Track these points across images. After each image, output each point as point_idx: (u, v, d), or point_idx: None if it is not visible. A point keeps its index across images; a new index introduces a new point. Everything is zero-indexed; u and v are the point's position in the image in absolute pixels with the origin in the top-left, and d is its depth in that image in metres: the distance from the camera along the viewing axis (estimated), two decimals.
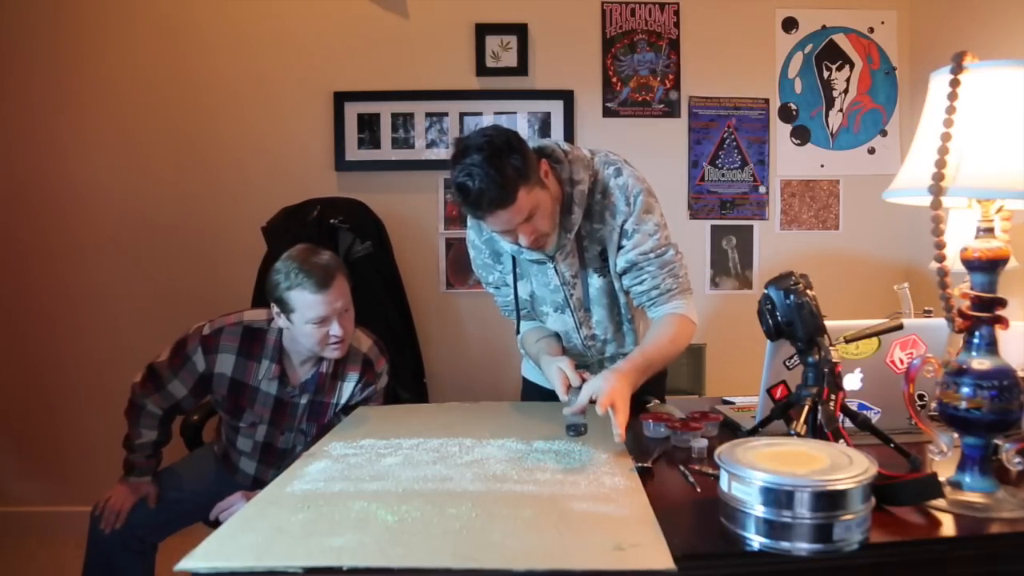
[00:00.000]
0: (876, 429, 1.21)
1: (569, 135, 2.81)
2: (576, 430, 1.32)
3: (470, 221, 1.62)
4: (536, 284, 1.59)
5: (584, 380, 1.39)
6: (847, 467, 0.93)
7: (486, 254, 1.63)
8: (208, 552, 0.92)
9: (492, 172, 1.29)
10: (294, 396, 1.75)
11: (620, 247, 1.51)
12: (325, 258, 1.66)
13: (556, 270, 1.54)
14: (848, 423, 1.20)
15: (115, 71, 2.77)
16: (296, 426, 1.78)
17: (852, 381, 1.38)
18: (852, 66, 2.88)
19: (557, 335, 1.67)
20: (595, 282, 1.56)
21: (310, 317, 1.61)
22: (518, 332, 1.68)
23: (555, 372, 1.42)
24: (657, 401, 1.69)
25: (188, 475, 1.91)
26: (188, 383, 1.76)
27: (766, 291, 1.25)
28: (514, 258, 1.57)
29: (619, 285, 1.56)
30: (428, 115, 2.80)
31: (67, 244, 2.81)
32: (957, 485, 1.10)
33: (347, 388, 1.76)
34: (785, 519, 0.90)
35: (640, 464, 1.24)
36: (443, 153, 2.80)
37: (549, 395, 1.76)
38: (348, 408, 1.77)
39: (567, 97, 2.81)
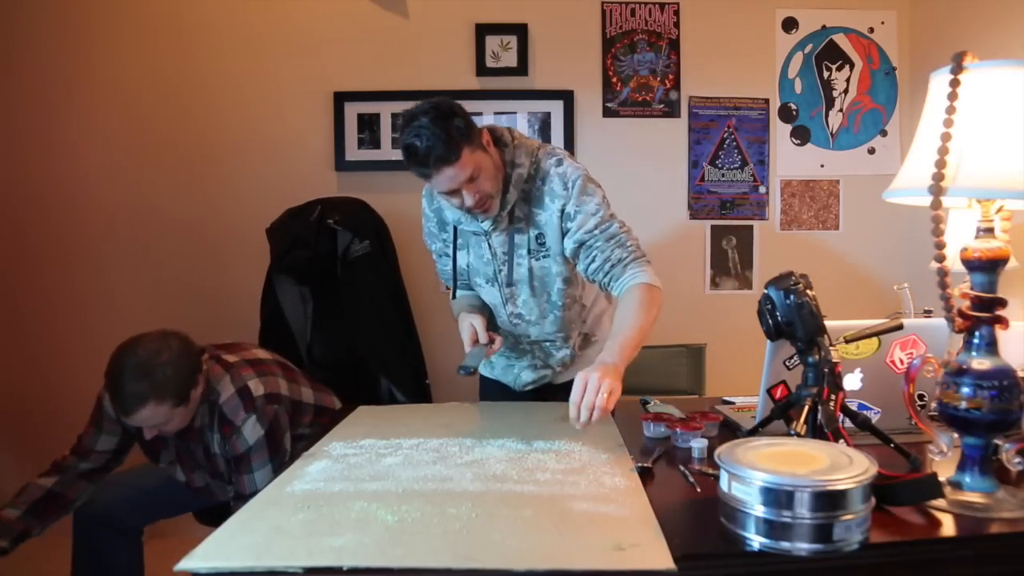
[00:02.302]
0: (876, 429, 1.21)
1: (569, 135, 2.81)
2: (467, 370, 1.48)
3: (425, 190, 1.70)
4: (473, 255, 1.65)
5: (492, 340, 1.56)
6: (847, 467, 0.93)
7: (434, 222, 1.70)
8: (208, 552, 0.92)
9: (438, 131, 1.38)
10: (186, 443, 1.73)
11: (566, 232, 1.55)
12: (141, 386, 1.52)
13: (489, 244, 1.60)
14: (848, 423, 1.20)
15: (117, 71, 2.77)
16: (200, 465, 1.76)
17: (852, 381, 1.38)
18: (852, 66, 2.88)
19: (483, 304, 1.73)
20: (524, 263, 1.60)
21: None
22: (454, 297, 1.74)
23: (467, 327, 1.58)
24: (657, 401, 1.70)
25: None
26: (115, 433, 1.76)
27: (766, 291, 1.25)
28: (455, 228, 1.63)
29: (556, 271, 1.60)
30: None
31: (70, 242, 2.81)
32: (957, 485, 1.10)
33: (215, 439, 1.69)
34: (785, 519, 0.90)
35: (640, 464, 1.24)
36: None
37: (509, 394, 1.80)
38: (234, 462, 1.67)
39: (567, 97, 2.81)
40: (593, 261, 1.53)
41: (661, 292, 1.51)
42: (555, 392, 1.77)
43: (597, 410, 1.26)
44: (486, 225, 1.57)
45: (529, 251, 1.59)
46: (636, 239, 1.56)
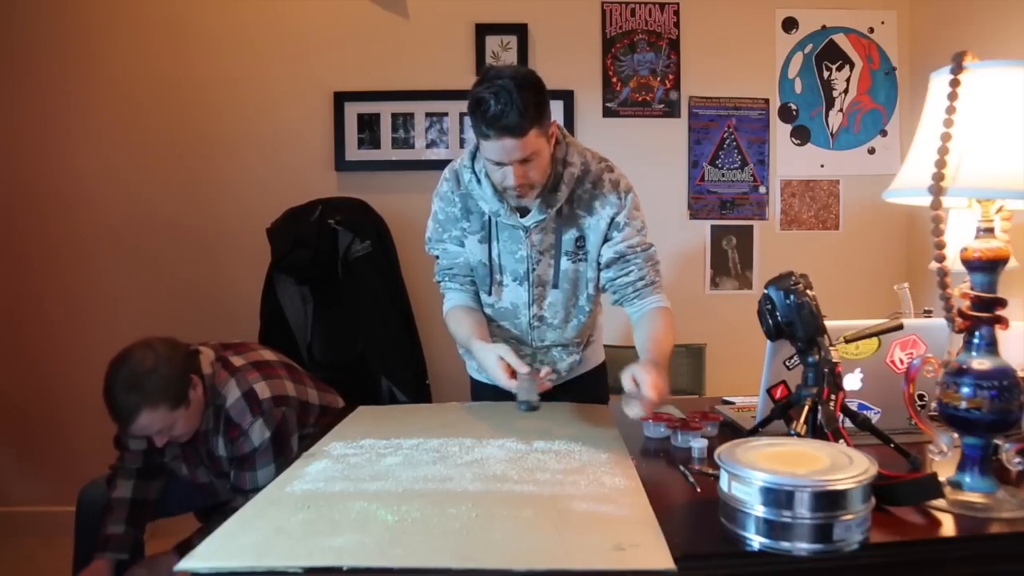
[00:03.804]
0: (876, 429, 1.21)
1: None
2: (528, 405, 1.32)
3: (448, 173, 1.61)
4: (504, 251, 1.58)
5: (528, 368, 1.37)
6: (847, 467, 0.93)
7: (457, 207, 1.59)
8: (208, 552, 0.92)
9: (517, 98, 1.31)
10: (191, 443, 1.72)
11: (608, 239, 1.54)
12: (130, 397, 1.54)
13: (529, 241, 1.55)
14: (848, 423, 1.20)
15: (116, 72, 2.77)
16: (204, 463, 1.76)
17: (852, 381, 1.38)
18: (852, 66, 2.88)
19: (484, 320, 1.63)
20: (564, 264, 1.57)
21: None
22: (489, 293, 1.63)
23: (495, 361, 1.39)
24: None
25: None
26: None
27: (766, 291, 1.25)
28: (490, 219, 1.56)
29: (590, 275, 1.59)
30: (428, 115, 2.80)
31: (69, 244, 2.81)
32: (957, 485, 1.10)
33: (220, 443, 1.70)
34: (785, 519, 0.90)
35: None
36: (443, 153, 2.80)
37: (503, 395, 1.76)
38: (237, 461, 1.68)
39: (567, 97, 2.81)
40: (628, 275, 1.54)
41: None
42: (552, 394, 1.76)
43: (651, 402, 1.25)
44: (527, 221, 1.52)
45: (567, 252, 1.56)
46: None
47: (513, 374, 1.38)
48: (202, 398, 1.66)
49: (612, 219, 1.53)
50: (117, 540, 1.73)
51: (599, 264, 1.58)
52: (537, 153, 1.39)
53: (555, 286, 1.59)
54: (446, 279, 1.68)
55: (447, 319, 1.68)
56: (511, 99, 1.31)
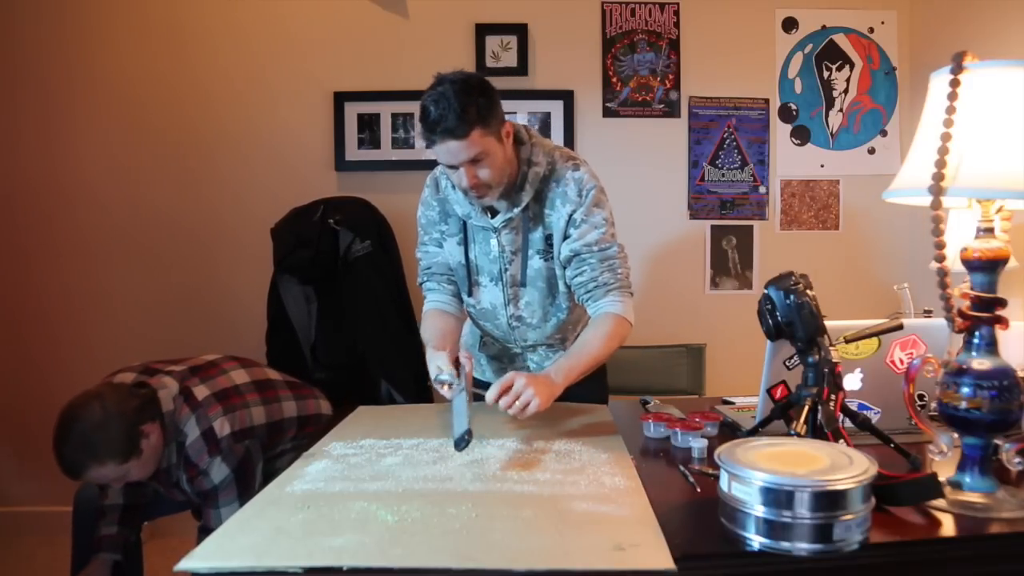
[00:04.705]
0: (876, 429, 1.21)
1: (569, 135, 2.81)
2: (464, 442, 1.27)
3: (430, 178, 1.66)
4: (479, 252, 1.60)
5: (460, 364, 1.44)
6: (847, 467, 0.93)
7: (435, 211, 1.64)
8: (208, 552, 0.92)
9: (455, 103, 1.35)
10: (156, 477, 1.71)
11: (566, 236, 1.54)
12: (76, 453, 1.52)
13: (498, 241, 1.56)
14: (848, 423, 1.20)
15: (117, 73, 2.77)
16: (175, 487, 1.74)
17: (852, 381, 1.38)
18: (852, 66, 2.88)
19: (454, 324, 1.65)
20: (535, 263, 1.58)
21: None
22: (469, 294, 1.66)
23: (434, 371, 1.45)
24: (657, 401, 1.70)
25: None
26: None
27: (766, 291, 1.25)
28: (465, 223, 1.59)
29: (560, 273, 1.59)
30: None
31: (70, 244, 2.81)
32: (957, 485, 1.10)
33: (183, 479, 1.68)
34: (785, 519, 0.90)
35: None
36: None
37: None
38: (203, 496, 1.68)
39: (567, 97, 2.81)
40: (581, 275, 1.54)
41: (631, 327, 1.53)
42: None
43: (512, 411, 1.30)
44: (496, 221, 1.54)
45: (539, 251, 1.57)
46: (628, 268, 1.57)
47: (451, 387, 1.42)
48: (158, 444, 1.63)
49: (570, 216, 1.53)
50: (110, 540, 1.74)
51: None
52: (486, 153, 1.41)
53: (522, 284, 1.60)
54: (426, 279, 1.71)
55: (422, 320, 1.70)
56: (449, 104, 1.35)
